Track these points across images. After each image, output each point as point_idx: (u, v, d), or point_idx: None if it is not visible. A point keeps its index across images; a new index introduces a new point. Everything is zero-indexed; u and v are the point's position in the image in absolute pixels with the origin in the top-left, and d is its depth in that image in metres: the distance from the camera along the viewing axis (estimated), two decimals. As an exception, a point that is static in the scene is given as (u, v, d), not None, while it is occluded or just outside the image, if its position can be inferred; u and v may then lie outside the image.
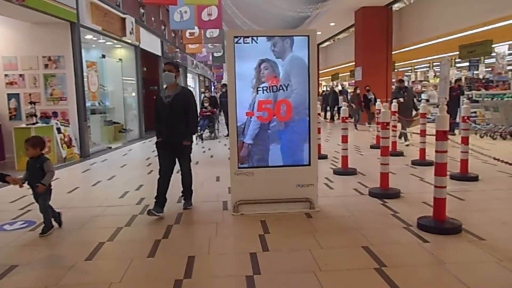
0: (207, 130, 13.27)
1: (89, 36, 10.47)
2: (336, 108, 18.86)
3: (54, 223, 4.30)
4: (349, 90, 25.72)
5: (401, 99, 9.90)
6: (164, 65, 4.86)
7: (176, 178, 5.04)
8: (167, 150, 4.77)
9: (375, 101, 12.53)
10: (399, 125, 9.88)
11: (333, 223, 4.36)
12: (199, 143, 12.15)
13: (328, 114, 19.31)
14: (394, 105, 9.60)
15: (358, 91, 15.45)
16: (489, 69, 17.14)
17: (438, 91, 14.10)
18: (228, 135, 13.07)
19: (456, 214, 4.26)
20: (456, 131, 11.57)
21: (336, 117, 19.10)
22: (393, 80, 18.84)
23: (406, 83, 19.94)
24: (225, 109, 13.70)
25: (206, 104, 13.46)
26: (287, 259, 3.45)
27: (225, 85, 17.70)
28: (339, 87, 25.58)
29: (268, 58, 4.53)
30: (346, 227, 4.20)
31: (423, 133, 7.79)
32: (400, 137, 10.05)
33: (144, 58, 15.02)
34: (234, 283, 3.05)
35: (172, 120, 4.67)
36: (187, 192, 5.10)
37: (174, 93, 4.71)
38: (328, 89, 22.50)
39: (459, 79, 14.16)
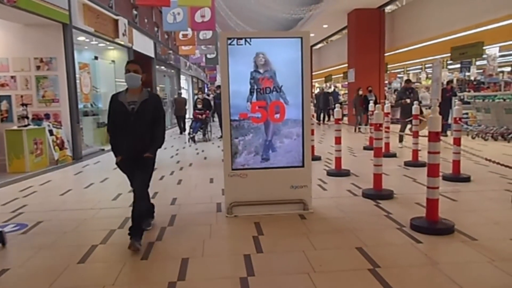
0: (199, 132, 13.24)
1: (81, 38, 10.42)
2: (327, 110, 18.89)
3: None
4: (342, 92, 25.80)
5: (408, 100, 9.62)
6: (126, 64, 3.94)
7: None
8: (132, 167, 3.91)
9: (376, 103, 12.26)
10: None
11: (327, 224, 4.37)
12: (192, 145, 12.14)
13: (321, 115, 19.33)
14: (387, 106, 9.64)
15: (360, 92, 14.93)
16: (481, 70, 17.32)
17: (430, 93, 14.22)
18: (221, 136, 13.12)
19: (449, 215, 4.29)
20: (448, 132, 11.66)
21: (327, 119, 19.12)
22: (386, 82, 18.92)
23: (398, 84, 19.85)
24: (218, 111, 13.69)
25: (199, 106, 13.44)
26: (281, 260, 3.45)
27: (219, 86, 17.68)
28: (332, 89, 25.65)
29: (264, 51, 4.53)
30: (340, 228, 4.21)
31: (415, 134, 7.85)
32: (400, 141, 10.06)
33: (137, 60, 14.96)
34: (228, 285, 3.04)
35: (138, 131, 3.82)
36: (136, 226, 3.76)
37: (141, 99, 3.85)
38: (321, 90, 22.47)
39: (450, 81, 14.28)
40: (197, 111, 13.34)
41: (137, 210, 3.78)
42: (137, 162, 3.86)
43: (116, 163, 3.97)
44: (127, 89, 3.94)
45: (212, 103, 15.19)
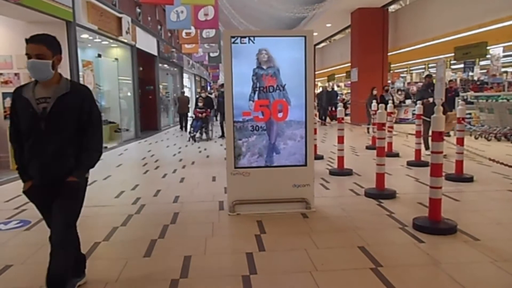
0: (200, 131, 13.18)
1: (85, 35, 10.44)
2: (330, 109, 18.80)
3: None
4: (344, 91, 25.74)
5: (430, 99, 8.39)
6: (26, 44, 2.53)
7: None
8: (49, 199, 2.56)
9: (393, 103, 11.71)
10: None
11: (329, 223, 4.37)
12: (194, 144, 12.14)
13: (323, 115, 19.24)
14: (390, 106, 9.61)
15: (375, 92, 14.07)
16: (484, 71, 17.28)
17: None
18: (222, 135, 13.08)
19: (451, 215, 4.28)
20: (451, 133, 11.63)
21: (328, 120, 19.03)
22: (389, 81, 18.83)
23: (401, 84, 19.56)
24: (221, 110, 13.65)
25: (200, 104, 13.37)
26: (284, 259, 3.46)
27: (223, 85, 17.66)
28: (335, 88, 25.58)
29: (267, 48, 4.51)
30: (342, 227, 4.21)
31: (418, 134, 7.83)
32: (427, 148, 8.16)
33: (140, 58, 14.99)
34: (231, 283, 3.04)
35: (53, 144, 2.52)
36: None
37: (57, 94, 2.55)
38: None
39: (451, 80, 14.21)
40: (198, 109, 13.27)
41: (53, 266, 2.49)
42: (55, 190, 2.56)
43: (23, 192, 2.64)
44: (37, 82, 2.61)
45: (215, 101, 15.16)
